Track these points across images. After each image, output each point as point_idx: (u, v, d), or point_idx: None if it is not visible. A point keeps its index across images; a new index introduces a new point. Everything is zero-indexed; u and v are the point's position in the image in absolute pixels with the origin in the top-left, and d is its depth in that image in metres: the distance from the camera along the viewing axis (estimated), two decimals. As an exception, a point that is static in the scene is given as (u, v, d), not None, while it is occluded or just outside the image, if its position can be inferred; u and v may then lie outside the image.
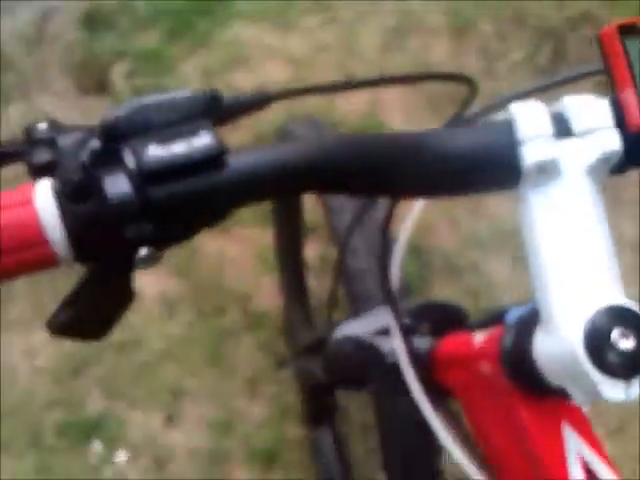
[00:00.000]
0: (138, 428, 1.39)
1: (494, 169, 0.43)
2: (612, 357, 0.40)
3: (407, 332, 0.61)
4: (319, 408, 1.01)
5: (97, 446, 1.37)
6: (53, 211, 0.37)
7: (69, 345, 1.50)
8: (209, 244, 1.65)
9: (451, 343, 0.65)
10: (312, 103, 1.72)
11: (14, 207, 0.37)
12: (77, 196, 0.37)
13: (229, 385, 1.43)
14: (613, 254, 0.43)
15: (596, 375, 0.40)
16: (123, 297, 0.44)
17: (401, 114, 1.74)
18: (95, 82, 1.83)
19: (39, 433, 1.39)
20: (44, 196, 0.38)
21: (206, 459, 1.34)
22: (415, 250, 1.56)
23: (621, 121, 0.42)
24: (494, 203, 1.65)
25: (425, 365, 0.64)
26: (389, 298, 0.63)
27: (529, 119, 0.42)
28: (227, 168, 0.39)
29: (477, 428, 0.58)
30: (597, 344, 0.40)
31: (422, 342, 0.66)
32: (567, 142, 0.42)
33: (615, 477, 0.49)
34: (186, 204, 0.39)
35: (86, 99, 1.82)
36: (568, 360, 0.41)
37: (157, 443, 1.37)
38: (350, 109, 1.75)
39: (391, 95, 1.76)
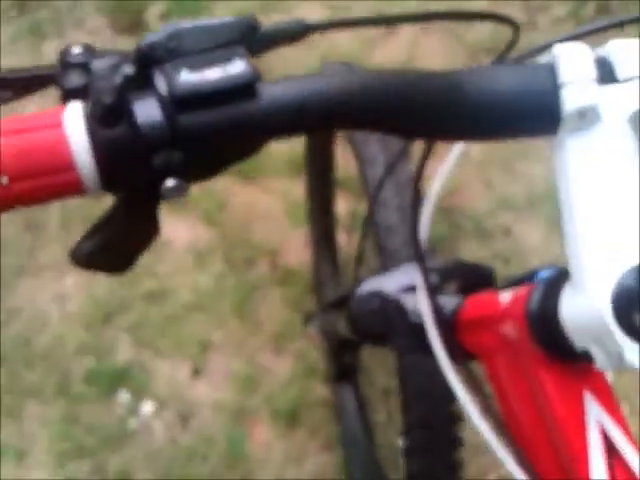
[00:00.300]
0: (164, 379, 1.39)
1: (533, 112, 0.41)
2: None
3: (433, 290, 0.60)
4: (342, 365, 1.02)
5: (124, 396, 1.38)
6: (82, 134, 0.36)
7: (100, 291, 1.51)
8: (239, 194, 1.63)
9: (477, 303, 0.62)
10: (348, 50, 1.67)
11: (43, 129, 0.36)
12: (107, 119, 0.36)
13: (255, 339, 1.42)
14: None
15: (622, 338, 0.38)
16: (149, 230, 0.43)
17: (439, 64, 1.68)
18: (130, 22, 1.80)
19: (67, 380, 1.41)
20: (74, 119, 0.37)
21: (230, 415, 1.34)
22: (445, 211, 1.52)
23: None
24: (528, 164, 1.60)
25: (450, 325, 0.63)
26: (417, 254, 0.61)
27: (572, 61, 0.40)
28: (259, 98, 0.38)
29: (498, 392, 0.56)
30: (625, 306, 0.38)
31: (448, 301, 0.64)
32: (610, 88, 0.40)
33: (633, 447, 0.47)
34: (216, 133, 0.38)
35: (120, 38, 1.79)
36: (594, 321, 0.39)
37: (182, 396, 1.37)
38: (387, 59, 1.69)
39: (429, 45, 1.70)
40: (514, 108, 0.41)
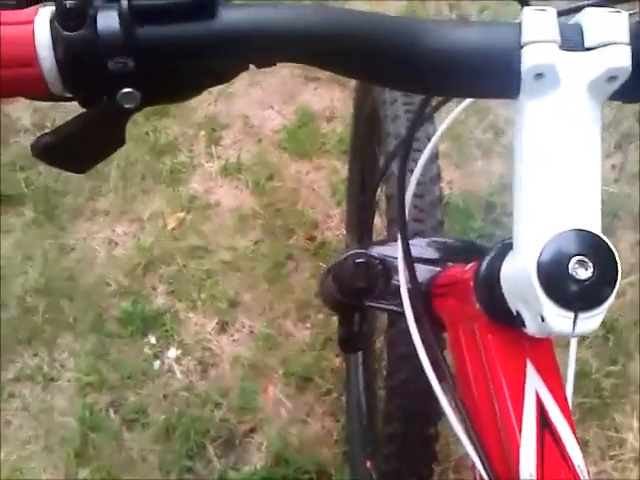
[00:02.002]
0: (192, 329, 1.46)
1: (494, 70, 0.40)
2: (565, 286, 0.38)
3: (410, 259, 0.60)
4: (349, 334, 1.03)
5: (152, 340, 1.45)
6: (46, 33, 0.39)
7: (147, 241, 1.59)
8: (289, 167, 1.68)
9: (448, 273, 0.64)
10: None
11: (16, 24, 0.39)
12: (69, 22, 0.39)
13: (282, 305, 1.47)
14: (598, 179, 0.40)
15: (546, 302, 0.38)
16: (113, 139, 0.45)
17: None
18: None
19: (103, 318, 1.49)
20: (43, 18, 0.40)
21: (246, 370, 1.39)
22: (488, 206, 1.54)
23: (637, 38, 0.39)
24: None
25: (424, 292, 0.64)
26: (400, 223, 0.61)
27: (536, 23, 0.39)
28: (218, 20, 0.39)
29: (456, 360, 0.56)
30: (551, 270, 0.38)
31: (426, 270, 0.66)
32: (572, 54, 0.39)
33: (563, 418, 0.47)
34: (168, 47, 0.40)
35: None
36: (523, 281, 0.39)
37: (206, 346, 1.43)
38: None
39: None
40: (474, 64, 0.40)
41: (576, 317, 0.38)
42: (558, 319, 0.38)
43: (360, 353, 1.27)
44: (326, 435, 1.33)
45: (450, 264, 0.71)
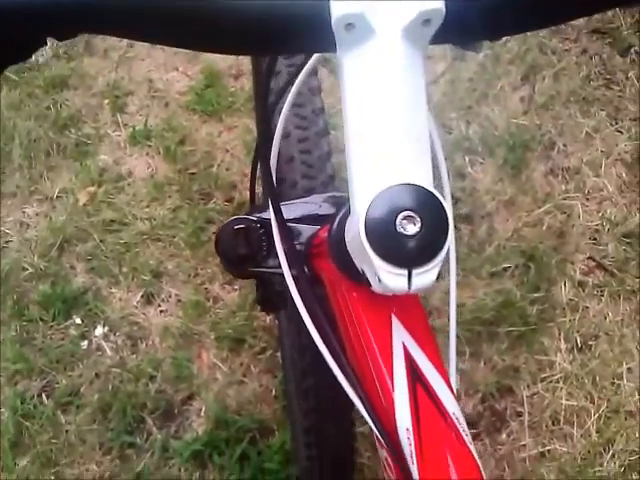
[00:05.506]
0: (117, 305, 1.43)
1: (304, 24, 0.37)
2: (393, 243, 0.37)
3: (282, 219, 0.58)
4: (269, 294, 1.02)
5: (77, 320, 1.41)
6: None
7: (59, 220, 1.54)
8: (200, 130, 1.64)
9: (322, 231, 0.62)
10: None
11: None
12: None
13: (206, 270, 1.45)
14: (425, 130, 0.38)
15: (377, 261, 0.37)
16: None
17: None
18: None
19: (23, 304, 1.44)
20: None
21: (177, 339, 1.37)
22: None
23: None
24: (486, 109, 1.63)
25: (303, 251, 0.63)
26: (269, 187, 0.58)
27: None
28: None
29: (338, 318, 0.56)
30: (378, 227, 0.37)
31: (305, 229, 0.65)
32: None
33: (434, 368, 0.47)
34: None
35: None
36: (359, 242, 0.38)
37: (133, 320, 1.41)
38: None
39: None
40: (282, 19, 0.37)
41: (410, 274, 0.37)
42: (392, 277, 0.37)
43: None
44: (265, 392, 1.33)
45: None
